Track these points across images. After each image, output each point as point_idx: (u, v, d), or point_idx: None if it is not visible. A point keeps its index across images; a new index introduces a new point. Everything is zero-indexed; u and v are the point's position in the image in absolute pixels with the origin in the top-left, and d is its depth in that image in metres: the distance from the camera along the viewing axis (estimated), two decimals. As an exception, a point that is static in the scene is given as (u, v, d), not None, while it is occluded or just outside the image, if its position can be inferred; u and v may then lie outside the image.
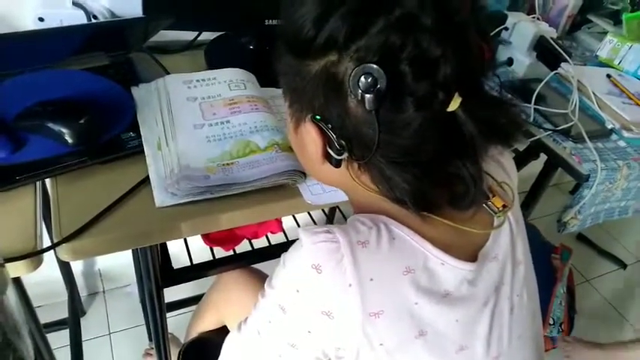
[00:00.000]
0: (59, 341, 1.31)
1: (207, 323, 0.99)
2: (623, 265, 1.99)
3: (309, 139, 0.50)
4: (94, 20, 0.84)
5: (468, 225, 0.52)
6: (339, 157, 0.49)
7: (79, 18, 0.84)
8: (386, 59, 0.42)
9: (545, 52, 1.10)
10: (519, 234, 0.59)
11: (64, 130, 0.67)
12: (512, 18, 1.15)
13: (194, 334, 1.00)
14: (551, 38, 1.09)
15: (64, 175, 0.67)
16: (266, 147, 0.72)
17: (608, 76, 1.19)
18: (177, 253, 0.92)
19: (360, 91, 0.42)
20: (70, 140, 0.67)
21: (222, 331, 0.95)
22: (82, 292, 1.52)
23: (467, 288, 0.51)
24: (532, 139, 0.99)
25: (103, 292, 1.57)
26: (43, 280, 1.33)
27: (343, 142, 0.48)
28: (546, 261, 1.61)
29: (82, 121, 0.68)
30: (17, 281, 0.74)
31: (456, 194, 0.50)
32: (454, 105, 0.43)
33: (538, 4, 1.24)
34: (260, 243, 1.00)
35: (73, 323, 1.35)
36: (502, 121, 0.47)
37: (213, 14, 0.89)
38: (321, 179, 0.61)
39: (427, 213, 0.50)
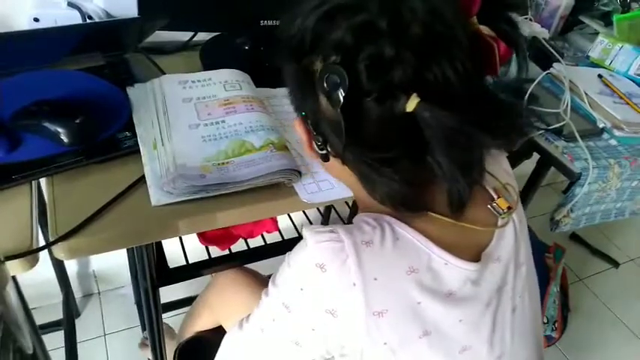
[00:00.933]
0: (54, 343, 1.31)
1: (202, 323, 0.99)
2: (616, 264, 2.01)
3: (301, 134, 0.55)
4: (89, 21, 0.85)
5: (472, 225, 0.52)
6: (322, 152, 0.52)
7: (74, 18, 0.84)
8: (346, 59, 0.44)
9: (538, 52, 1.11)
10: (523, 236, 0.59)
11: (60, 130, 0.67)
12: (505, 19, 1.16)
13: (189, 334, 1.00)
14: (544, 39, 1.10)
15: (60, 174, 0.67)
16: (261, 146, 0.73)
17: (600, 76, 1.20)
18: (173, 252, 0.92)
19: (326, 89, 0.45)
20: (65, 140, 0.68)
21: (218, 331, 0.95)
22: (77, 294, 1.52)
23: (470, 288, 0.52)
24: (524, 138, 0.99)
25: (98, 293, 1.57)
26: (38, 281, 1.33)
27: (320, 138, 0.51)
28: (540, 260, 1.62)
29: (77, 121, 0.69)
30: (13, 281, 0.74)
31: (445, 194, 0.50)
32: (411, 105, 0.43)
33: (530, 6, 1.26)
34: (255, 242, 1.00)
35: (67, 325, 1.35)
36: (490, 122, 0.46)
37: (208, 15, 0.90)
38: (327, 171, 0.62)
39: (412, 213, 0.51)
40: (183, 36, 1.01)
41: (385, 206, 0.51)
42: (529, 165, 1.11)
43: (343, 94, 0.43)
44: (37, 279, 1.31)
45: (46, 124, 0.67)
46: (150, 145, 0.72)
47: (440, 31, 0.43)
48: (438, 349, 0.51)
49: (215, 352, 0.65)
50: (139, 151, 0.71)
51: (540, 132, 0.99)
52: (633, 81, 1.24)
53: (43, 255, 0.60)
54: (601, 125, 1.05)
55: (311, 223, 1.19)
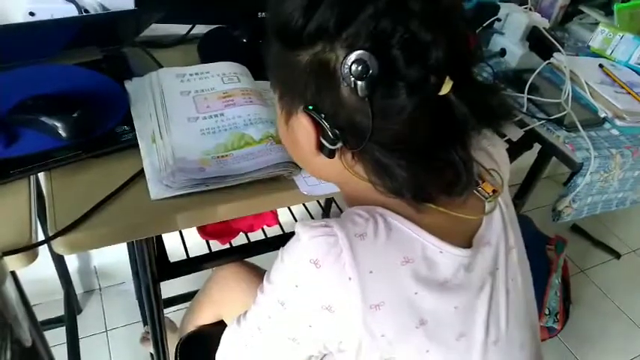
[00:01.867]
0: (56, 339, 1.31)
1: (203, 317, 0.99)
2: (617, 256, 2.01)
3: (302, 130, 0.50)
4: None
5: (461, 212, 0.52)
6: (333, 147, 0.49)
7: (70, 12, 0.83)
8: (377, 45, 0.42)
9: (538, 42, 1.10)
10: (511, 220, 0.59)
11: (58, 124, 0.67)
12: (505, 9, 1.16)
13: (190, 329, 1.00)
14: (544, 29, 1.09)
15: (58, 169, 0.67)
16: (261, 139, 0.72)
17: (601, 65, 1.19)
18: (174, 247, 0.91)
19: (352, 78, 0.43)
20: (63, 134, 0.67)
21: (220, 325, 0.95)
22: (78, 290, 1.52)
23: (463, 274, 0.52)
24: (526, 128, 0.99)
25: (99, 289, 1.57)
26: (39, 278, 1.33)
27: (337, 132, 0.47)
28: (541, 252, 1.62)
29: (75, 115, 0.68)
30: (13, 277, 0.74)
31: (449, 180, 0.50)
32: (446, 89, 0.43)
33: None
34: (256, 236, 1.00)
35: (69, 321, 1.35)
36: (492, 104, 0.48)
37: (205, 7, 0.89)
38: (313, 172, 0.61)
39: (424, 202, 0.50)
40: (181, 29, 1.00)
41: (397, 197, 0.50)
42: (530, 157, 1.11)
43: (373, 83, 0.42)
44: (38, 276, 1.31)
45: (44, 119, 0.67)
46: (148, 138, 0.71)
47: (456, 13, 0.45)
48: (435, 338, 0.50)
49: (217, 346, 0.65)
50: (137, 145, 0.70)
51: (541, 122, 0.98)
52: (634, 70, 1.24)
53: (44, 252, 0.59)
54: (602, 115, 1.04)
55: (312, 216, 1.19)
